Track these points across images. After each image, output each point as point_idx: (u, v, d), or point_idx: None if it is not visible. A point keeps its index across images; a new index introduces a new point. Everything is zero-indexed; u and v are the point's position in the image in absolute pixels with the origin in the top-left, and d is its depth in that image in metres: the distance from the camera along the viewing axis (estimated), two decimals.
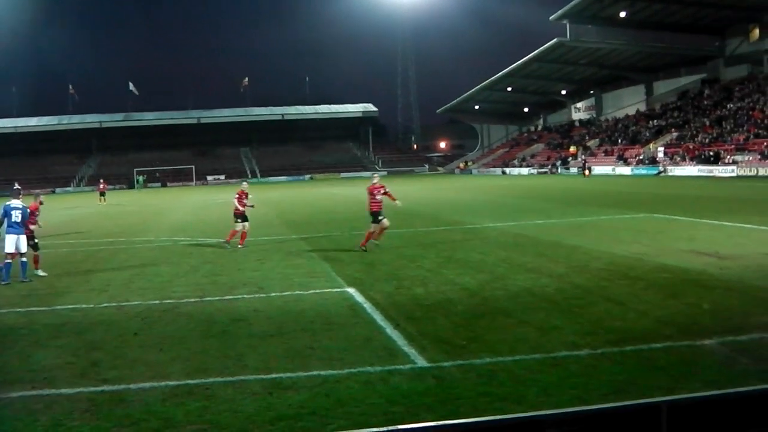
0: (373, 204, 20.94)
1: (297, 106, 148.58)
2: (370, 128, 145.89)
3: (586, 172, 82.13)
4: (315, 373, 9.19)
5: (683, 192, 44.09)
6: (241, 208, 23.26)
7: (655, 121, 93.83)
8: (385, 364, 9.42)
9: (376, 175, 22.98)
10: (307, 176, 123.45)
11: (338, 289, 14.92)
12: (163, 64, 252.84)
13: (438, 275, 16.14)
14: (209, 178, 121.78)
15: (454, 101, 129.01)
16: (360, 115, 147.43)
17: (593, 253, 18.44)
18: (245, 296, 14.66)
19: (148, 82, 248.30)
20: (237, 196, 23.50)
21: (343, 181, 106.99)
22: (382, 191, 21.16)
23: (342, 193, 60.79)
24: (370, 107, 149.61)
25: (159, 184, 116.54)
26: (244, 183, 25.06)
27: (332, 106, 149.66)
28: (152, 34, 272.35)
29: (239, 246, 22.76)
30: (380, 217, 20.73)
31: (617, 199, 38.92)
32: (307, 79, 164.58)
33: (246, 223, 23.29)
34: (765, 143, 66.84)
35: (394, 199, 21.38)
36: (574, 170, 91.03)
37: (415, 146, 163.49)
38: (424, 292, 14.17)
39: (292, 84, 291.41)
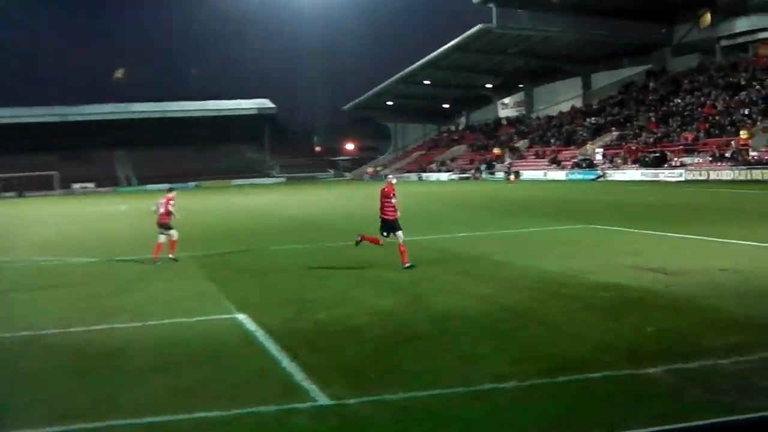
0: (387, 209, 20.03)
1: (182, 102, 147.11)
2: (267, 128, 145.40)
3: (512, 177, 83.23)
4: (200, 415, 9.03)
5: (625, 199, 45.03)
6: (167, 218, 23.54)
7: (593, 118, 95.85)
8: (281, 403, 9.31)
9: (390, 175, 22.52)
10: (193, 184, 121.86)
11: (229, 315, 14.74)
12: (17, 50, 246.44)
13: (346, 297, 16.10)
14: (75, 186, 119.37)
15: (364, 96, 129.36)
16: (255, 112, 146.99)
17: (523, 270, 18.66)
18: (121, 325, 14.34)
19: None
20: (163, 202, 23.70)
21: (237, 189, 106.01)
22: (396, 195, 20.39)
23: (242, 203, 60.32)
24: (267, 104, 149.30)
25: (14, 194, 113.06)
26: (173, 191, 24.90)
27: (223, 102, 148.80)
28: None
29: (169, 256, 23.15)
30: (396, 229, 19.88)
31: (550, 208, 39.51)
32: (195, 71, 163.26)
33: (173, 231, 23.49)
34: (717, 143, 68.92)
35: (397, 210, 20.38)
36: (500, 175, 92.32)
37: (318, 149, 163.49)
38: (330, 317, 14.10)
39: (176, 77, 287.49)
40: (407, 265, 19.40)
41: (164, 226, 23.54)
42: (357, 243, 20.81)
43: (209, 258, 24.03)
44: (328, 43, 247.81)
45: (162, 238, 23.35)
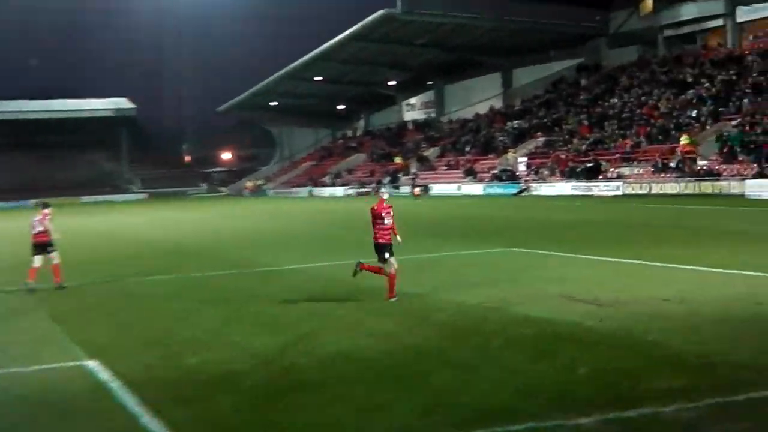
0: (380, 232, 19.62)
1: (19, 101, 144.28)
2: (125, 133, 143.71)
3: (416, 191, 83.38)
4: None
5: (553, 217, 45.63)
6: (46, 237, 23.62)
7: (516, 122, 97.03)
8: None
9: (384, 190, 21.62)
10: (32, 201, 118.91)
11: (76, 363, 14.45)
12: None
13: (220, 337, 15.98)
14: None
15: (243, 95, 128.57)
16: (111, 114, 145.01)
17: (433, 303, 18.77)
18: None
19: None
20: (39, 219, 23.83)
21: (90, 207, 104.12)
22: (391, 213, 19.91)
23: (94, 225, 59.19)
24: (125, 104, 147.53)
25: None
26: (48, 207, 24.49)
27: (70, 101, 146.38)
28: None
29: (57, 284, 23.31)
30: (387, 254, 19.37)
31: (466, 228, 39.81)
32: (34, 62, 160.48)
33: (54, 253, 23.70)
34: (660, 151, 70.35)
35: (395, 233, 19.97)
36: (407, 189, 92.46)
37: (188, 158, 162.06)
38: (200, 362, 13.95)
39: (12, 72, 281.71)
40: (394, 298, 19.12)
41: (42, 246, 23.56)
42: (355, 273, 19.99)
43: (52, 293, 23.58)
44: (201, 30, 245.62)
45: (37, 261, 23.35)
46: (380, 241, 19.41)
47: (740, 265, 22.47)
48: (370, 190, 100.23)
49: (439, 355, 13.70)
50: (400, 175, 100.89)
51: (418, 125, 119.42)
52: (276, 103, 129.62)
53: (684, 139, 67.12)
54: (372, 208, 19.79)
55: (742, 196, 56.53)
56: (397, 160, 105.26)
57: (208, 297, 21.21)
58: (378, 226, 19.54)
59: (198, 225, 53.43)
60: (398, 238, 19.78)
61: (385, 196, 20.29)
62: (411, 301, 19.13)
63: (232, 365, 13.68)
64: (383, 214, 19.53)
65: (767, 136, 62.66)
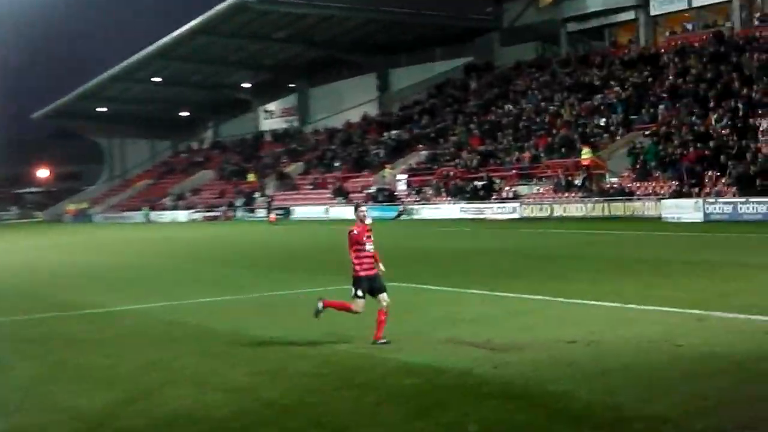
0: (360, 262, 19.21)
1: None
2: None
3: (272, 216, 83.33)
4: None
5: (438, 245, 45.99)
6: None
7: (394, 132, 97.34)
8: None
9: (364, 206, 20.65)
10: None
11: None
12: None
13: (35, 397, 15.72)
14: None
15: (64, 99, 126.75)
16: None
17: (296, 349, 18.75)
18: None
19: None
20: None
21: None
22: (372, 239, 19.39)
23: None
24: None
25: None
26: None
27: None
28: None
29: None
30: (358, 293, 18.88)
31: (334, 259, 39.75)
32: None
33: None
34: (563, 166, 71.26)
35: (377, 260, 19.44)
36: (264, 213, 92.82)
37: None
38: (9, 428, 13.74)
39: None
40: (382, 340, 18.75)
41: None
42: (317, 313, 19.50)
43: None
44: (9, 21, 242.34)
45: None
46: (361, 274, 18.97)
47: (657, 300, 22.91)
48: (219, 214, 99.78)
49: (304, 412, 13.64)
50: (256, 196, 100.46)
51: (278, 136, 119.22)
52: (105, 110, 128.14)
53: (585, 153, 67.73)
54: (350, 232, 19.38)
55: (659, 218, 57.55)
56: (250, 177, 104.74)
57: (19, 347, 20.88)
58: (358, 255, 19.15)
59: (7, 258, 52.58)
60: (381, 266, 19.34)
61: (369, 220, 19.94)
62: (267, 347, 19.08)
63: (49, 429, 13.49)
64: (364, 239, 19.18)
65: (686, 149, 63.43)
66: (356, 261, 19.06)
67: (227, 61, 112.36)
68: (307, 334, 20.35)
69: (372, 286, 18.97)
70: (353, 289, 18.95)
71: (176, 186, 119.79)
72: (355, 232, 19.27)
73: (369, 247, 19.16)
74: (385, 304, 18.85)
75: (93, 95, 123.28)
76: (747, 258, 34.18)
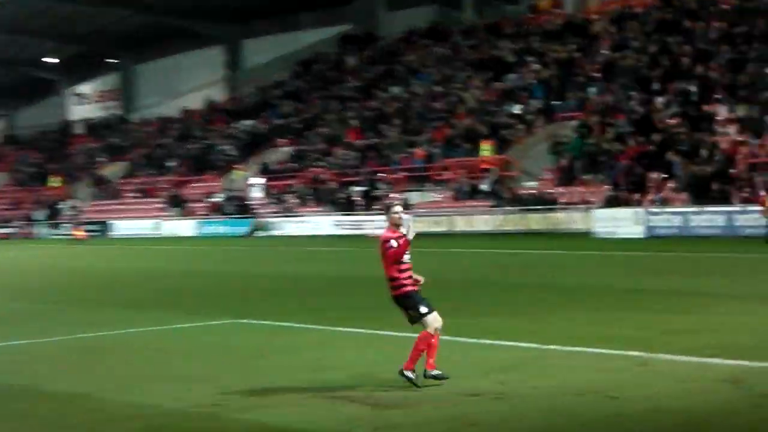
0: (404, 277, 18.95)
1: None
2: None
3: (80, 232, 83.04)
4: None
5: (306, 271, 46.00)
6: None
7: (248, 122, 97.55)
8: None
9: (398, 206, 19.60)
10: None
11: None
12: None
13: None
14: None
15: None
16: None
17: (116, 407, 18.27)
18: None
19: None
20: None
21: None
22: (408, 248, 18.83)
23: None
24: None
25: None
26: None
27: None
28: None
29: None
30: (423, 307, 18.63)
31: (169, 290, 39.65)
32: None
33: None
34: (467, 167, 71.38)
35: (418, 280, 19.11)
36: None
37: None
38: None
39: None
40: (434, 372, 18.51)
41: None
42: (413, 381, 18.55)
43: None
44: None
45: None
46: (407, 289, 18.83)
47: (585, 339, 23.05)
48: (13, 230, 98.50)
49: None
50: (62, 207, 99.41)
51: (93, 127, 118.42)
52: None
53: (485, 150, 68.11)
54: (386, 244, 18.80)
55: (589, 233, 58.07)
56: (54, 182, 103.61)
57: None
58: (399, 268, 18.79)
59: None
60: (420, 278, 19.13)
61: (405, 229, 18.97)
62: (81, 403, 18.73)
63: None
64: (399, 250, 18.66)
65: (624, 144, 63.65)
66: (399, 277, 18.75)
67: (25, 29, 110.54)
68: (128, 387, 19.97)
69: (418, 305, 18.72)
70: (410, 311, 18.75)
71: None
72: (394, 244, 18.67)
73: (408, 258, 18.81)
74: (431, 327, 18.55)
75: None
76: (699, 284, 34.62)
